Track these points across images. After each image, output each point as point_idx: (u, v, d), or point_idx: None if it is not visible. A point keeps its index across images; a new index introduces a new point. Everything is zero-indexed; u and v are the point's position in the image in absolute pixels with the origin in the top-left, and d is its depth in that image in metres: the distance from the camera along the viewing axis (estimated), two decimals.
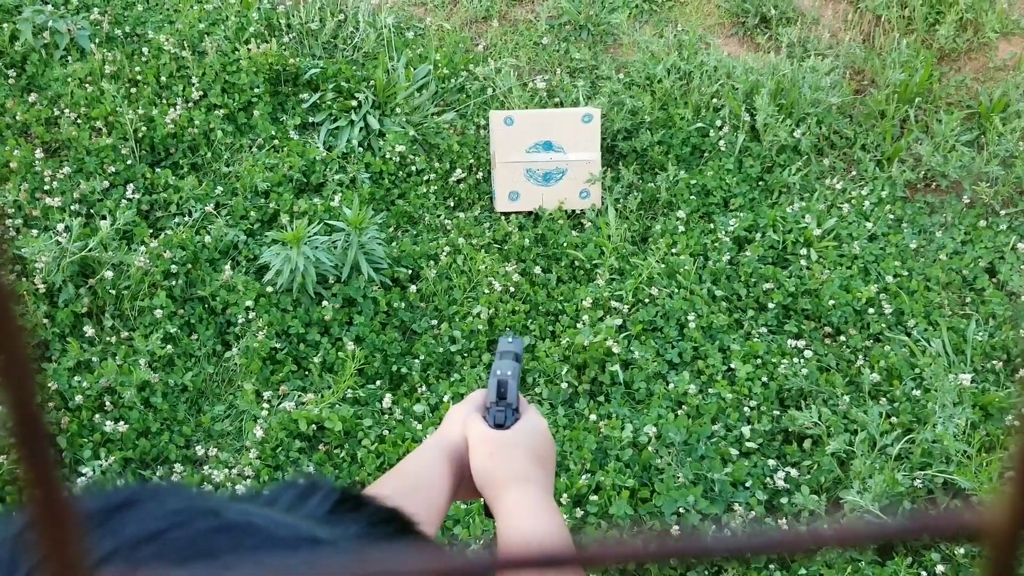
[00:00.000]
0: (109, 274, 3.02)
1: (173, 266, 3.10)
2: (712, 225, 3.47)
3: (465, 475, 0.99)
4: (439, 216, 3.51)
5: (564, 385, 2.95)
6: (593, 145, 3.58)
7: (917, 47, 4.04)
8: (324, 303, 3.10)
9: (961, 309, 3.30)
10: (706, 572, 2.54)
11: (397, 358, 3.04)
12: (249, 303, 3.05)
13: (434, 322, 3.15)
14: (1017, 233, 3.53)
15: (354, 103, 3.69)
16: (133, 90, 3.64)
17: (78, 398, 2.77)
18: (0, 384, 0.20)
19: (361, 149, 3.65)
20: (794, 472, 2.75)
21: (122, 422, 2.75)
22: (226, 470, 2.69)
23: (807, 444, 2.83)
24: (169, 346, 2.96)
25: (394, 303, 3.16)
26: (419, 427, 2.80)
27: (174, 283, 3.09)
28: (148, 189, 3.39)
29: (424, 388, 2.95)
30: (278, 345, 3.01)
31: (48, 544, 0.21)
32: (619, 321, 3.08)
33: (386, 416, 2.88)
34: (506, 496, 0.92)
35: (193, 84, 3.67)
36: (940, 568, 2.52)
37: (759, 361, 3.02)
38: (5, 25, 3.71)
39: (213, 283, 3.12)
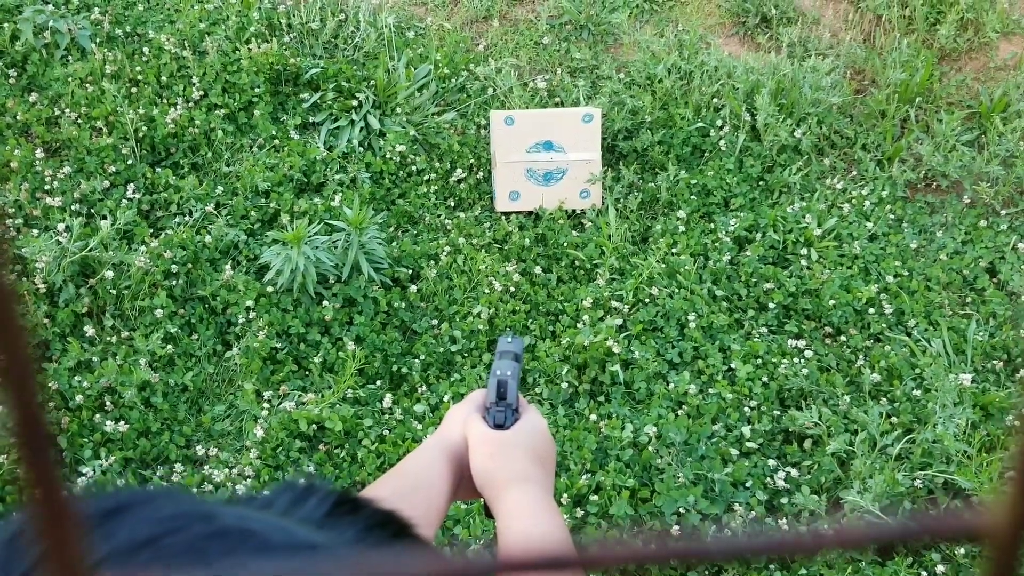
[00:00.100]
0: (109, 274, 3.02)
1: (173, 266, 3.10)
2: (712, 225, 3.47)
3: (465, 475, 0.99)
4: (439, 216, 3.51)
5: (564, 385, 2.95)
6: (593, 145, 3.58)
7: (918, 47, 4.04)
8: (324, 303, 3.10)
9: (961, 309, 3.30)
10: (706, 572, 2.54)
11: (397, 358, 3.04)
12: (249, 303, 3.05)
13: (434, 322, 3.15)
14: (1018, 233, 3.53)
15: (355, 103, 3.69)
16: (134, 90, 3.64)
17: (78, 398, 2.77)
18: (1, 384, 0.20)
19: (361, 149, 3.65)
20: (794, 472, 2.75)
21: (122, 422, 2.75)
22: (226, 470, 2.69)
23: (807, 444, 2.83)
24: (169, 346, 2.96)
25: (394, 303, 3.16)
26: (419, 427, 2.80)
27: (174, 283, 3.09)
28: (149, 189, 3.39)
29: (424, 388, 2.95)
30: (278, 345, 3.01)
31: (48, 544, 0.21)
32: (619, 321, 3.08)
33: (386, 416, 2.88)
34: (506, 496, 0.92)
35: (194, 84, 3.67)
36: (940, 568, 2.52)
37: (759, 361, 3.02)
38: (6, 25, 3.71)
39: (213, 283, 3.12)
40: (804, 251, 3.36)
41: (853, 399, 2.94)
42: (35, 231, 3.12)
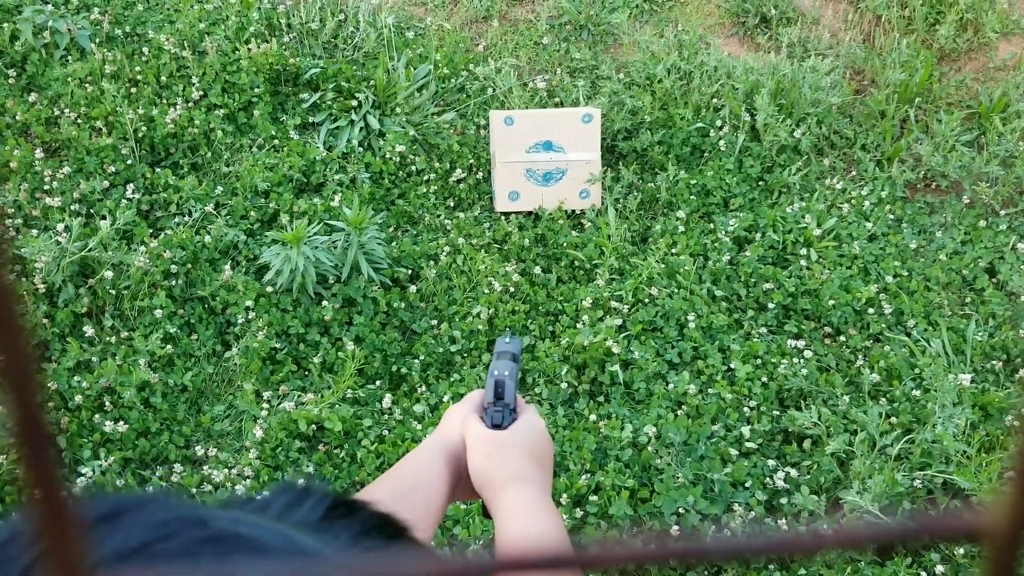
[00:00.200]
0: (109, 274, 3.02)
1: (173, 266, 3.10)
2: (712, 225, 3.47)
3: (463, 475, 0.99)
4: (439, 216, 3.51)
5: (564, 385, 2.95)
6: (593, 145, 3.58)
7: (917, 47, 4.04)
8: (324, 303, 3.10)
9: (961, 309, 3.30)
10: (706, 572, 2.54)
11: (397, 358, 3.04)
12: (249, 303, 3.05)
13: (434, 322, 3.15)
14: (1017, 233, 3.53)
15: (354, 103, 3.69)
16: (133, 90, 3.64)
17: (78, 398, 2.77)
18: (1, 384, 0.20)
19: (361, 149, 3.65)
20: (794, 472, 2.75)
21: (122, 422, 2.75)
22: (226, 470, 2.69)
23: (807, 444, 2.83)
24: (169, 346, 2.96)
25: (394, 303, 3.16)
26: (419, 427, 2.80)
27: (174, 283, 3.09)
28: (148, 189, 3.39)
29: (424, 388, 2.95)
30: (278, 345, 3.01)
31: (48, 544, 0.21)
32: (619, 321, 3.08)
33: (386, 416, 2.88)
34: (504, 496, 0.92)
35: (193, 84, 3.67)
36: (940, 568, 2.52)
37: (759, 361, 3.02)
38: (5, 25, 3.71)
39: (213, 283, 3.12)
40: (803, 251, 3.36)
41: (852, 399, 2.94)
42: (34, 231, 3.12)
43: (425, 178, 3.59)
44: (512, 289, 3.21)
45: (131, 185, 3.34)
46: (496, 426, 0.99)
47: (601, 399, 2.96)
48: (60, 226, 3.09)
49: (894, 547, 2.50)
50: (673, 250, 3.35)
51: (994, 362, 3.07)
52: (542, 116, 3.60)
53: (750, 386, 2.94)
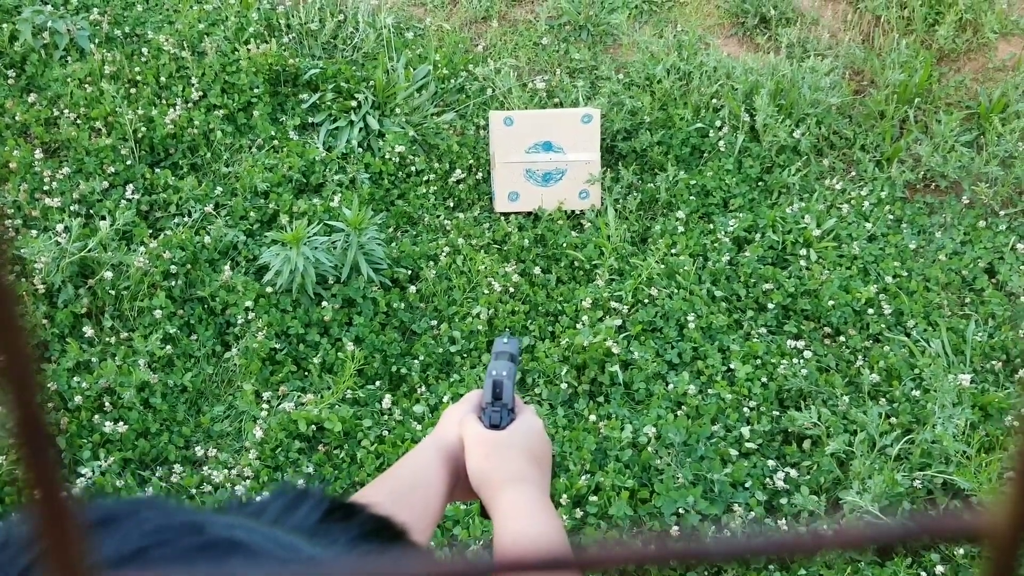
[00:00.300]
0: (108, 274, 3.02)
1: (172, 266, 3.10)
2: (712, 225, 3.47)
3: (461, 476, 0.98)
4: (439, 216, 3.51)
5: (564, 386, 2.95)
6: (593, 145, 3.58)
7: (916, 47, 4.05)
8: (324, 303, 3.10)
9: (960, 309, 3.31)
10: (706, 573, 2.54)
11: (396, 359, 3.04)
12: (249, 303, 3.05)
13: (433, 322, 3.15)
14: (1016, 233, 3.53)
15: (354, 103, 3.69)
16: (133, 90, 3.64)
17: (77, 399, 2.77)
18: (1, 384, 0.20)
19: (361, 149, 3.65)
20: (794, 473, 2.75)
21: (121, 423, 2.75)
22: (225, 471, 2.69)
23: (807, 445, 2.83)
24: (168, 347, 2.96)
25: (393, 303, 3.16)
26: (418, 428, 2.80)
27: (173, 283, 3.09)
28: (147, 189, 3.39)
29: (424, 389, 2.95)
30: (277, 346, 3.01)
31: (48, 544, 0.21)
32: (619, 321, 3.08)
33: (385, 417, 2.88)
34: (502, 497, 0.92)
35: (193, 84, 3.67)
36: (939, 569, 2.52)
37: (759, 361, 3.02)
38: (4, 25, 3.70)
39: (212, 283, 3.12)
40: (803, 252, 3.36)
41: (852, 399, 2.94)
42: (34, 232, 3.12)
43: (425, 179, 3.59)
44: (512, 289, 3.21)
45: (131, 185, 3.34)
46: (494, 426, 0.99)
47: (601, 399, 2.96)
48: (60, 226, 3.09)
49: (894, 547, 2.50)
50: (673, 250, 3.36)
51: (994, 362, 3.07)
52: (542, 116, 3.60)
53: (750, 386, 2.94)
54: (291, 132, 3.65)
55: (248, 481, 2.66)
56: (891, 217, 3.57)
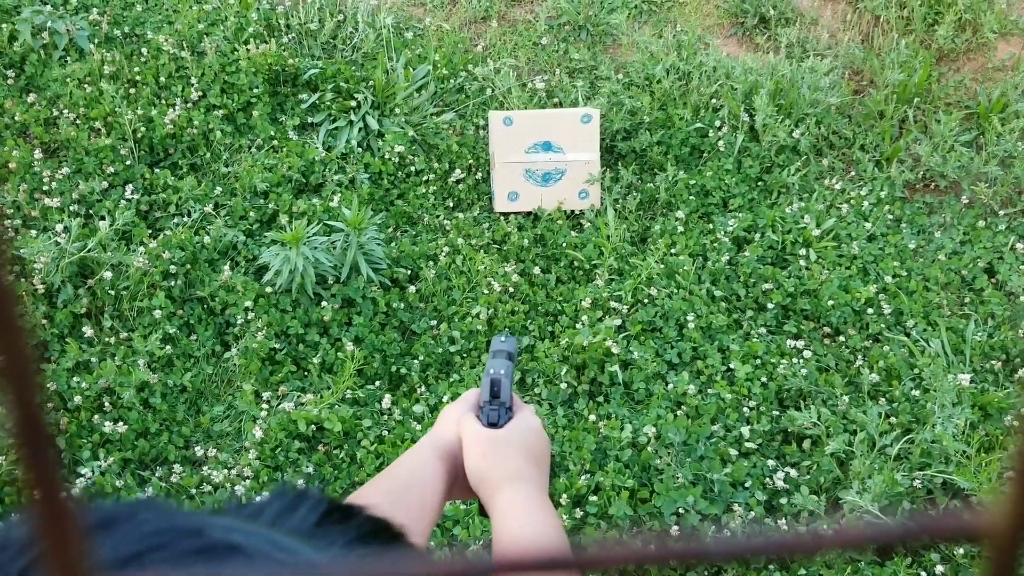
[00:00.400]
0: (108, 275, 3.02)
1: (172, 266, 3.10)
2: (711, 225, 3.47)
3: (459, 474, 0.98)
4: (438, 216, 3.51)
5: (563, 385, 2.95)
6: (592, 145, 3.58)
7: (916, 47, 4.05)
8: (323, 303, 3.10)
9: (960, 309, 3.31)
10: (706, 573, 2.54)
11: (396, 358, 3.04)
12: (248, 303, 3.05)
13: (433, 322, 3.15)
14: (1016, 233, 3.53)
15: (353, 103, 3.69)
16: (132, 90, 3.63)
17: (77, 399, 2.77)
18: (1, 384, 0.20)
19: (360, 149, 3.65)
20: (793, 472, 2.75)
21: (121, 423, 2.75)
22: (225, 471, 2.69)
23: (806, 444, 2.83)
24: (168, 347, 2.96)
25: (393, 303, 3.16)
26: (418, 428, 2.80)
27: (173, 283, 3.09)
28: (147, 189, 3.39)
29: (423, 389, 2.95)
30: (277, 346, 3.01)
31: (48, 545, 0.21)
32: (618, 321, 3.08)
33: (385, 417, 2.88)
34: (500, 495, 0.91)
35: (192, 84, 3.66)
36: (939, 569, 2.52)
37: (758, 361, 3.02)
38: (4, 25, 3.70)
39: (212, 283, 3.12)
40: (803, 251, 3.36)
41: (852, 399, 2.94)
42: (33, 232, 3.12)
43: (424, 178, 3.59)
44: (511, 289, 3.21)
45: (130, 186, 3.34)
46: (492, 424, 0.99)
47: (600, 399, 2.96)
48: (59, 227, 3.09)
49: (894, 547, 2.50)
50: (672, 250, 3.36)
51: (993, 362, 3.07)
52: (541, 116, 3.60)
53: (749, 386, 2.95)
54: (291, 132, 3.65)
55: (248, 481, 2.66)
56: (891, 217, 3.57)
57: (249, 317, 3.04)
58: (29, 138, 3.49)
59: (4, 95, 3.56)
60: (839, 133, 3.82)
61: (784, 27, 4.14)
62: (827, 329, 3.19)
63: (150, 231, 3.25)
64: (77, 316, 3.02)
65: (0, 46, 3.70)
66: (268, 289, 3.10)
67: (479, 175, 3.65)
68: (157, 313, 3.00)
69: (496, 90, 3.89)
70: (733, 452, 2.77)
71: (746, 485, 2.70)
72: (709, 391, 2.94)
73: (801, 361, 3.02)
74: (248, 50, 3.74)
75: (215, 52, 3.74)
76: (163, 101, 3.63)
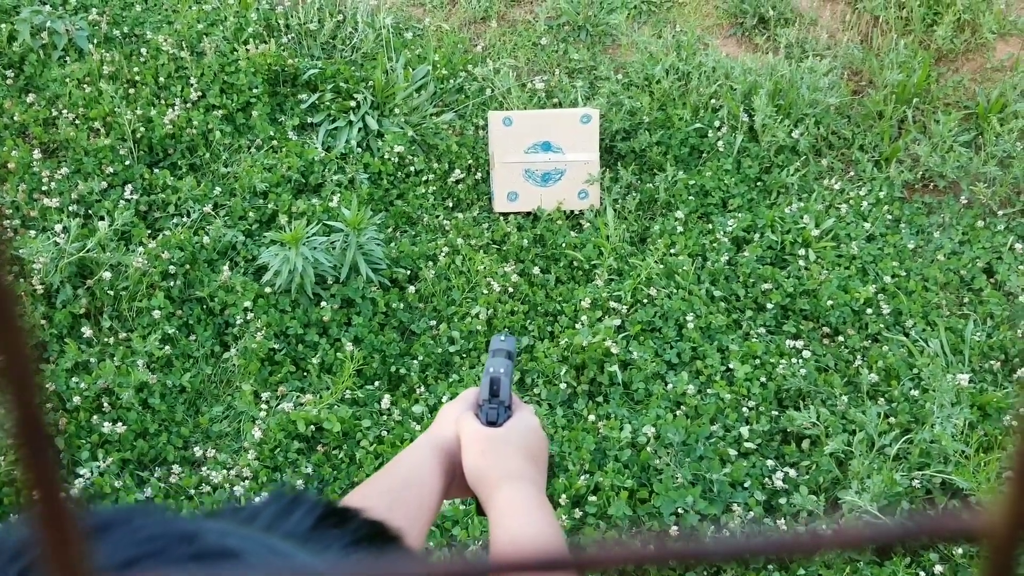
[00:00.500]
0: (107, 275, 3.02)
1: (171, 267, 3.10)
2: (710, 225, 3.47)
3: (457, 473, 0.98)
4: (438, 216, 3.51)
5: (563, 385, 2.95)
6: (592, 146, 3.59)
7: (915, 48, 4.05)
8: (323, 304, 3.09)
9: (959, 309, 3.31)
10: (705, 573, 2.54)
11: (396, 359, 3.04)
12: (247, 304, 3.05)
13: (433, 323, 3.15)
14: (1015, 233, 3.53)
15: (353, 103, 3.69)
16: (131, 90, 3.63)
17: (76, 399, 2.77)
18: (1, 385, 0.20)
19: (360, 150, 3.65)
20: (793, 472, 2.75)
21: (120, 423, 2.75)
22: (224, 471, 2.69)
23: (805, 444, 2.83)
24: (167, 347, 2.96)
25: (392, 304, 3.16)
26: (417, 428, 2.80)
27: (172, 284, 3.09)
28: (146, 190, 3.39)
29: (423, 389, 2.95)
30: (276, 346, 3.01)
31: (48, 545, 0.21)
32: (618, 321, 3.08)
33: (384, 417, 2.88)
34: (499, 494, 0.91)
35: (191, 84, 3.66)
36: (938, 568, 2.52)
37: (757, 361, 3.02)
38: (3, 25, 3.70)
39: (211, 284, 3.12)
40: (802, 251, 3.37)
41: (851, 399, 2.94)
42: (32, 232, 3.11)
43: (424, 179, 3.59)
44: (511, 289, 3.21)
45: (129, 186, 3.34)
46: (491, 423, 0.99)
47: (600, 399, 2.96)
48: (58, 227, 3.09)
49: (893, 547, 2.50)
50: (672, 250, 3.36)
51: (992, 362, 3.08)
52: (541, 117, 3.60)
53: (749, 386, 2.95)
54: (290, 132, 3.65)
55: (247, 482, 2.66)
56: (889, 217, 3.57)
57: (248, 317, 3.04)
58: (28, 138, 3.49)
59: (3, 95, 3.56)
60: (838, 133, 3.82)
61: (783, 27, 4.14)
62: (826, 329, 3.19)
63: (149, 231, 3.25)
64: (76, 316, 3.02)
65: None
66: (267, 289, 3.10)
67: (478, 175, 3.65)
68: (156, 313, 3.00)
69: (495, 90, 3.89)
70: (732, 452, 2.77)
71: (745, 485, 2.71)
72: (708, 391, 2.95)
73: (800, 361, 3.02)
74: (247, 50, 3.74)
75: (214, 52, 3.74)
76: (162, 101, 3.63)
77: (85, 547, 0.21)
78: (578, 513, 2.59)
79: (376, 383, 2.99)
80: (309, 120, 3.73)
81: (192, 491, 2.66)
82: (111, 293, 3.03)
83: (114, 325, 3.03)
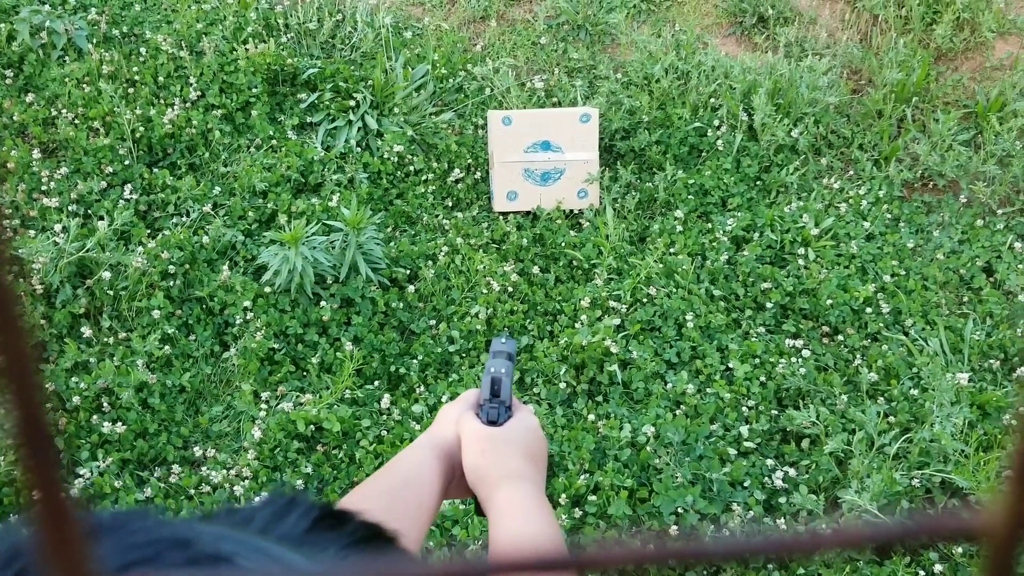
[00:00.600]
0: (107, 275, 3.02)
1: (171, 266, 3.10)
2: (710, 225, 3.47)
3: (457, 473, 0.98)
4: (437, 216, 3.51)
5: (562, 385, 2.95)
6: (591, 145, 3.58)
7: (914, 47, 4.05)
8: (322, 303, 3.09)
9: (958, 308, 3.31)
10: (705, 572, 2.54)
11: (395, 358, 3.04)
12: (247, 303, 3.05)
13: (432, 322, 3.15)
14: (1014, 232, 3.53)
15: (352, 103, 3.69)
16: (131, 90, 3.63)
17: (76, 399, 2.77)
18: (1, 385, 0.20)
19: (359, 149, 3.65)
20: (792, 472, 2.75)
21: (120, 423, 2.75)
22: (224, 471, 2.69)
23: (805, 444, 2.83)
24: (167, 347, 2.96)
25: (392, 303, 3.16)
26: (417, 428, 2.80)
27: (172, 284, 3.09)
28: (146, 189, 3.39)
29: (422, 388, 2.95)
30: (276, 345, 3.01)
31: (49, 545, 0.21)
32: (617, 321, 3.08)
33: (384, 417, 2.88)
34: (498, 494, 0.91)
35: (191, 84, 3.66)
36: (938, 568, 2.52)
37: (757, 361, 3.02)
38: (2, 25, 3.70)
39: (211, 283, 3.12)
40: (801, 251, 3.37)
41: (851, 398, 2.94)
42: (32, 232, 3.11)
43: (423, 178, 3.59)
44: (510, 289, 3.21)
45: (129, 185, 3.34)
46: (492, 422, 0.99)
47: (600, 399, 2.96)
48: (58, 227, 3.09)
49: (893, 547, 2.50)
50: (671, 250, 3.36)
51: (992, 361, 3.08)
52: (540, 116, 3.60)
53: (748, 385, 2.95)
54: (289, 132, 3.65)
55: (247, 481, 2.66)
56: (889, 216, 3.57)
57: (248, 317, 3.04)
58: (27, 138, 3.49)
59: (2, 95, 3.56)
60: (837, 132, 3.82)
61: (783, 26, 4.14)
62: (826, 328, 3.19)
63: (149, 231, 3.25)
64: (76, 316, 3.01)
65: None
66: (267, 289, 3.09)
67: (478, 175, 3.65)
68: (156, 313, 3.00)
69: (495, 89, 3.89)
70: (732, 451, 2.77)
71: (745, 484, 2.71)
72: (708, 390, 2.95)
73: (800, 360, 3.02)
74: (247, 50, 3.74)
75: (214, 52, 3.74)
76: (162, 101, 3.63)
77: (86, 547, 0.21)
78: (578, 513, 2.59)
79: (376, 383, 2.99)
80: (308, 120, 3.73)
81: (192, 491, 2.66)
82: (111, 293, 3.03)
83: (114, 325, 3.03)
